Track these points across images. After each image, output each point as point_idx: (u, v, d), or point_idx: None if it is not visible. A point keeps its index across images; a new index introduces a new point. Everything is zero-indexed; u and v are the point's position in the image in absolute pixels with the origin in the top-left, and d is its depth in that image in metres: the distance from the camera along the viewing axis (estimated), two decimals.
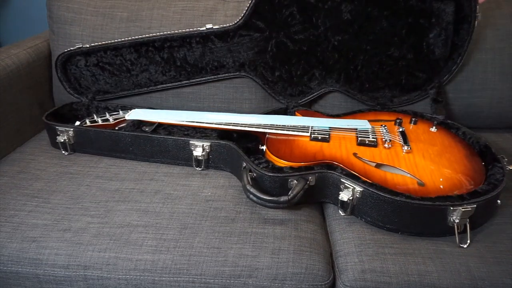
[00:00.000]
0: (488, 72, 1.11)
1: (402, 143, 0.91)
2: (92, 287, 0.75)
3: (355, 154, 0.88)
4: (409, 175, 0.82)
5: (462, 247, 0.75)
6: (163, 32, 1.12)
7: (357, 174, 0.81)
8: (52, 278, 0.75)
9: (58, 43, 1.19)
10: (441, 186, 0.79)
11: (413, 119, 1.02)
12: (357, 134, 0.95)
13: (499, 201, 0.81)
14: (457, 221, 0.73)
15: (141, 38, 1.11)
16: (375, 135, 0.95)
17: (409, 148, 0.89)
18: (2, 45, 1.57)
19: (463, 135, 0.98)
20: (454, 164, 0.86)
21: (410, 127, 1.00)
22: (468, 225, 0.75)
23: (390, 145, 0.91)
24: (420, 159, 0.87)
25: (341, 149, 0.90)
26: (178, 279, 0.74)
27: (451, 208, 0.73)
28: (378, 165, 0.85)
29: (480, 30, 1.03)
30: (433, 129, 0.99)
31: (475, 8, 0.99)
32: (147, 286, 0.74)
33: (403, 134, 0.96)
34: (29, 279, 0.76)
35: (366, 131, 0.96)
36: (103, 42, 1.13)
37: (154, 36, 1.10)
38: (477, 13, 0.99)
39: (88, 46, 1.13)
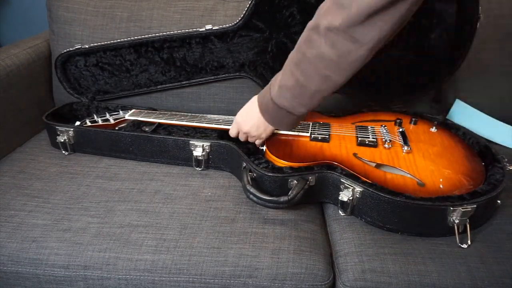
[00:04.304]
0: (488, 72, 1.12)
1: (402, 143, 0.91)
2: (92, 287, 0.75)
3: (355, 154, 0.88)
4: (409, 175, 0.82)
5: (462, 247, 0.75)
6: (163, 32, 1.12)
7: (357, 174, 0.81)
8: (52, 278, 0.75)
9: (58, 43, 1.19)
10: (441, 186, 0.79)
11: (413, 119, 1.02)
12: (357, 134, 0.95)
13: (499, 201, 0.81)
14: (457, 221, 0.73)
15: (141, 38, 1.11)
16: (375, 135, 0.95)
17: (409, 149, 0.89)
18: (2, 45, 1.57)
19: (463, 136, 0.98)
20: (454, 165, 0.86)
21: (410, 128, 1.00)
22: (468, 225, 0.75)
23: (390, 145, 0.91)
24: (420, 159, 0.87)
25: (341, 149, 0.90)
26: (178, 279, 0.74)
27: (451, 208, 0.73)
28: (378, 165, 0.85)
29: (481, 30, 1.03)
30: (433, 130, 0.99)
31: (477, 9, 0.98)
32: (147, 286, 0.74)
33: (403, 134, 0.96)
34: (29, 279, 0.76)
35: (366, 131, 0.96)
36: (103, 43, 1.13)
37: (154, 36, 1.10)
38: (479, 14, 0.99)
39: (87, 46, 1.13)
